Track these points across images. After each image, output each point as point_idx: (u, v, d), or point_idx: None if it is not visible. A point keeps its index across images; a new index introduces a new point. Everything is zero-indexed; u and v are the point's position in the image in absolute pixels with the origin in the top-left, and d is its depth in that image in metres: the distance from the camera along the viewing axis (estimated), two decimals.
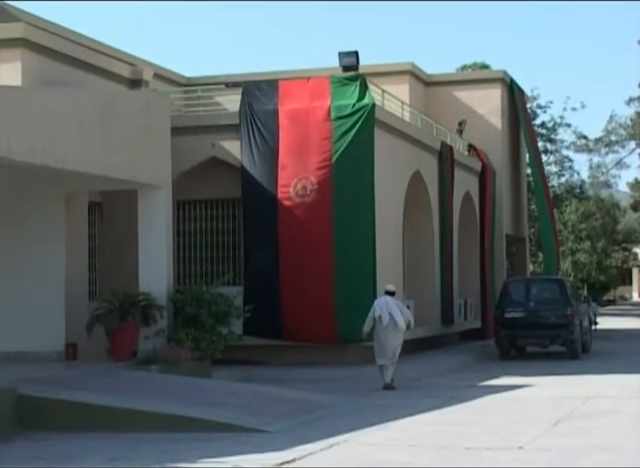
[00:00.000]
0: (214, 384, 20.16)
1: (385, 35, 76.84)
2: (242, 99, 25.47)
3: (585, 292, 67.10)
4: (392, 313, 21.81)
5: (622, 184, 77.06)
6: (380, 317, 21.76)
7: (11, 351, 21.17)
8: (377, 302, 22.32)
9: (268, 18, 75.74)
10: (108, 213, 25.73)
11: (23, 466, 13.30)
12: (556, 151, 61.29)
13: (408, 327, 22.42)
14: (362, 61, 28.22)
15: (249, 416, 16.63)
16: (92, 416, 16.34)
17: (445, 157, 31.30)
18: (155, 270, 22.73)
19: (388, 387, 21.73)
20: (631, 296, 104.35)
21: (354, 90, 25.01)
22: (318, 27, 76.27)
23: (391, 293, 22.37)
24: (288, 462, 13.08)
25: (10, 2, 26.43)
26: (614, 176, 70.22)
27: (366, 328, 22.07)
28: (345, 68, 27.01)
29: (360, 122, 24.62)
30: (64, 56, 23.27)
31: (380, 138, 25.51)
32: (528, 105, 48.27)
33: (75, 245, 23.34)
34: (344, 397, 19.98)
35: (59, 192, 22.63)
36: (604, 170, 68.85)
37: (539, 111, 59.07)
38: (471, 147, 36.03)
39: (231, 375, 22.07)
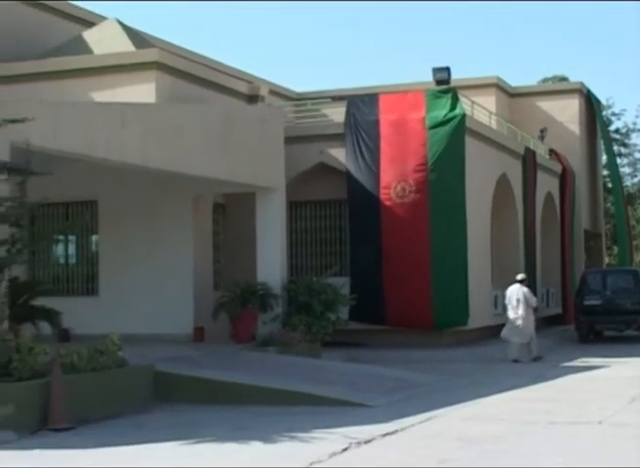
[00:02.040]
0: (323, 364, 20.18)
1: (473, 51, 76.41)
2: (347, 111, 25.49)
3: None
4: (521, 298, 23.38)
5: None
6: (515, 302, 23.39)
7: (148, 333, 21.49)
8: (509, 290, 23.86)
9: (368, 37, 75.61)
10: (230, 212, 25.94)
11: (160, 432, 13.57)
12: (629, 154, 60.09)
13: (535, 309, 24.23)
14: (453, 76, 28.09)
15: (355, 392, 16.66)
16: (217, 391, 16.47)
17: (528, 161, 30.99)
18: (271, 263, 22.89)
19: (537, 359, 23.11)
20: None
21: (447, 101, 24.89)
22: (412, 46, 76.27)
23: (521, 282, 23.85)
24: (390, 433, 13.10)
25: (144, 30, 26.77)
26: None
27: (508, 313, 23.65)
28: (438, 82, 26.88)
29: (452, 130, 24.50)
30: (192, 75, 23.54)
31: (470, 145, 25.34)
32: (603, 113, 47.52)
33: (201, 241, 23.61)
34: (439, 376, 19.93)
35: (187, 195, 22.91)
36: None
37: (613, 118, 58.09)
38: (552, 152, 35.63)
39: (339, 356, 22.09)
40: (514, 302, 23.50)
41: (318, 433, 13.13)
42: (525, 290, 23.83)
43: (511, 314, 23.54)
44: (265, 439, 12.83)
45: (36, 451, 12.35)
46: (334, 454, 11.63)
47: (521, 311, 23.39)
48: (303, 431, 13.24)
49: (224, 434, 13.33)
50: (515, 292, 23.67)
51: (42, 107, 16.56)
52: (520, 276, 24.50)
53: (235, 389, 16.50)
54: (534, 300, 24.03)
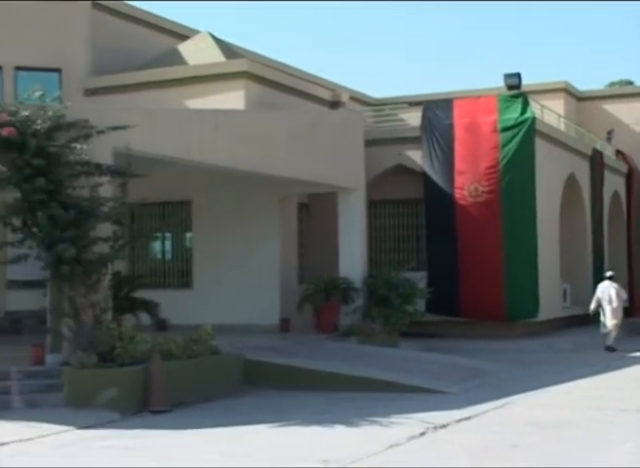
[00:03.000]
0: (401, 353, 20.16)
1: (542, 57, 75.39)
2: (423, 116, 25.43)
3: None
4: (612, 293, 23.61)
5: None
6: (607, 297, 23.58)
7: (237, 324, 21.63)
8: (600, 286, 24.11)
9: (442, 44, 74.93)
10: (313, 211, 26.04)
11: (250, 415, 13.74)
12: None
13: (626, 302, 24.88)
14: (523, 81, 27.82)
15: (431, 380, 16.65)
16: (302, 378, 16.57)
17: (596, 161, 30.61)
18: (352, 258, 22.96)
19: (611, 349, 23.04)
20: None
21: (517, 105, 24.72)
22: (485, 52, 75.66)
23: (610, 278, 24.22)
24: (465, 419, 13.11)
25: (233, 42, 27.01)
26: None
27: (592, 306, 23.86)
28: (509, 87, 26.65)
29: (522, 133, 24.31)
30: (278, 84, 23.68)
31: (540, 146, 25.13)
32: None
33: (287, 238, 23.75)
34: (511, 365, 19.80)
35: (274, 195, 23.06)
36: None
37: None
38: (619, 152, 35.09)
39: (415, 346, 22.06)
40: (607, 297, 23.63)
41: (397, 418, 13.16)
42: (615, 285, 24.02)
43: (607, 308, 23.54)
44: (348, 422, 12.90)
45: (137, 431, 12.61)
46: (412, 438, 11.68)
47: (615, 304, 23.54)
48: (383, 416, 13.28)
49: (309, 417, 13.43)
50: (607, 288, 23.81)
51: (141, 115, 16.83)
52: (609, 273, 24.74)
53: (319, 376, 16.58)
54: (624, 294, 24.27)
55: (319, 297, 22.26)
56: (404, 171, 25.68)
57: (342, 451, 10.92)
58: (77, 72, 23.89)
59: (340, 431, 12.48)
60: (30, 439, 11.97)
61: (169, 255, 24.54)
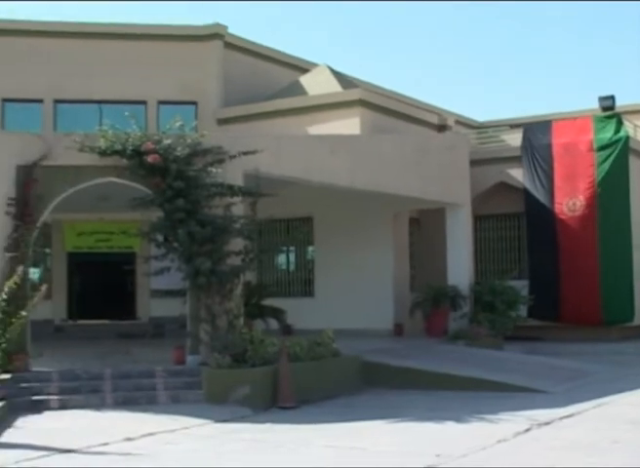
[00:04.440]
0: (506, 355, 19.94)
1: (636, 78, 73.67)
2: (523, 137, 25.14)
3: None
4: None
5: None
6: None
7: (355, 329, 21.63)
8: None
9: (539, 68, 73.91)
10: (424, 225, 25.97)
11: (368, 411, 13.78)
12: None
13: None
14: (616, 102, 27.27)
15: (535, 380, 16.41)
16: (415, 378, 16.48)
17: None
18: (460, 268, 22.82)
19: None
20: None
21: (612, 125, 24.25)
22: (580, 75, 74.44)
23: None
24: (567, 416, 12.88)
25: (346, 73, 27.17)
26: None
27: None
28: (604, 109, 26.17)
29: (617, 151, 23.84)
30: (389, 110, 23.74)
31: (634, 163, 24.57)
32: None
33: (400, 250, 23.74)
34: (609, 366, 19.35)
35: (388, 211, 23.09)
36: None
37: None
38: None
39: (519, 348, 21.73)
40: None
41: (503, 415, 13.04)
42: None
43: None
44: (458, 419, 12.82)
45: (267, 425, 12.77)
46: (517, 433, 11.55)
47: None
48: (490, 413, 13.16)
49: (422, 414, 13.38)
50: None
51: (268, 141, 17.10)
52: None
53: (430, 376, 16.47)
54: None
55: (429, 304, 22.19)
56: (506, 187, 25.40)
57: (454, 446, 10.86)
58: (211, 104, 24.42)
59: (451, 427, 12.41)
60: (175, 430, 12.24)
61: (292, 267, 24.78)
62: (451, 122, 26.54)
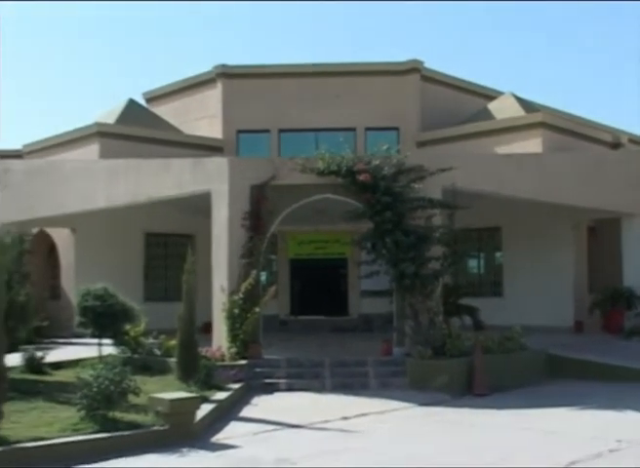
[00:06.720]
0: None
1: None
2: None
3: None
4: None
5: None
6: None
7: (540, 325, 21.06)
8: None
9: None
10: (600, 233, 24.97)
11: (552, 399, 13.40)
12: None
13: None
14: None
15: None
16: (594, 370, 15.93)
17: None
18: (634, 271, 21.75)
19: None
20: None
21: None
22: None
23: None
24: None
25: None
26: None
27: None
28: None
29: None
30: (568, 130, 23.05)
31: None
32: None
33: (579, 255, 22.93)
34: None
35: (568, 221, 22.38)
36: None
37: None
38: None
39: None
40: None
41: None
42: None
43: None
44: (637, 408, 12.33)
45: (464, 409, 12.68)
46: None
47: None
48: None
49: (604, 403, 12.96)
50: None
51: (462, 159, 17.01)
52: None
53: (608, 369, 15.89)
54: None
55: (606, 304, 21.36)
56: None
57: (635, 432, 10.43)
58: (411, 129, 24.48)
59: (630, 415, 11.93)
60: (384, 411, 12.38)
61: (482, 270, 24.42)
62: (624, 140, 25.41)
